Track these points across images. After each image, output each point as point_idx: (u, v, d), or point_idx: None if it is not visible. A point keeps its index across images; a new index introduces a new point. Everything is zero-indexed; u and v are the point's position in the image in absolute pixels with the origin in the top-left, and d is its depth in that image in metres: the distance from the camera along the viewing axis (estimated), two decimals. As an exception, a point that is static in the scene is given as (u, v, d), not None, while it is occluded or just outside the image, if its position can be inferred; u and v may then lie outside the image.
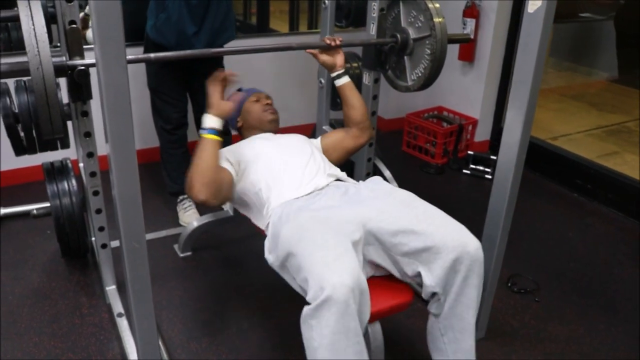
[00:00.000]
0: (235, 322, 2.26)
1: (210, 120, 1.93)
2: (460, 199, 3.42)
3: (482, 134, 3.96)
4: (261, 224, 2.01)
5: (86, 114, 1.96)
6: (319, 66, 2.74)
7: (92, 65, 1.75)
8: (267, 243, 1.83)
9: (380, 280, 1.80)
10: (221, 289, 2.47)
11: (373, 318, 1.69)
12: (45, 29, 1.57)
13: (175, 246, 2.74)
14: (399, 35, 2.26)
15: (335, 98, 2.86)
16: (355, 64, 2.83)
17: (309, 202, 1.87)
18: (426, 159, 3.86)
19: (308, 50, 2.26)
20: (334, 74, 2.29)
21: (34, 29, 1.55)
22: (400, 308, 1.75)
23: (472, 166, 3.70)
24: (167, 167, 2.95)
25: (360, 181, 2.04)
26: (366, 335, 1.72)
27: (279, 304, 2.35)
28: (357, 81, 2.45)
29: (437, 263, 1.67)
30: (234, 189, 2.04)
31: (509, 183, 1.90)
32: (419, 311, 2.25)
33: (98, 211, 2.14)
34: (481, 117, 3.89)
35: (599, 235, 3.02)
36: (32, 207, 2.86)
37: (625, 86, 4.94)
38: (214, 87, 2.01)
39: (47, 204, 2.46)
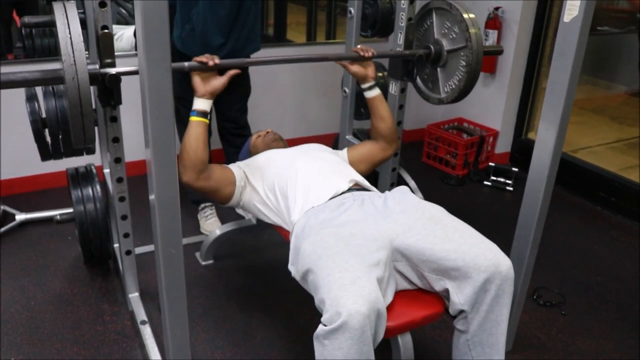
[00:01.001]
0: (259, 332, 2.24)
1: (196, 102, 1.95)
2: (482, 210, 3.39)
3: (503, 145, 3.93)
4: (280, 222, 2.06)
5: (115, 119, 1.95)
6: (343, 75, 2.73)
7: (126, 73, 1.74)
8: (290, 254, 1.82)
9: (411, 290, 1.77)
10: (244, 298, 2.45)
11: (404, 329, 1.68)
12: (81, 37, 1.55)
13: (197, 254, 2.72)
14: (432, 47, 2.23)
15: (359, 108, 2.84)
16: (380, 74, 2.82)
17: (333, 215, 1.82)
18: (447, 170, 3.84)
19: (340, 62, 2.24)
20: (365, 86, 2.25)
21: (71, 37, 1.53)
22: (431, 319, 1.73)
23: (492, 178, 3.67)
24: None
25: (386, 191, 1.99)
26: (396, 345, 1.70)
27: (303, 313, 2.33)
28: (383, 91, 2.43)
29: (467, 282, 1.63)
30: (241, 189, 2.10)
31: (539, 197, 1.85)
32: (444, 322, 2.23)
33: (124, 217, 2.12)
34: (502, 129, 3.86)
35: (625, 248, 2.98)
36: (53, 212, 2.87)
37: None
38: (193, 78, 1.93)
39: (69, 210, 2.46)
